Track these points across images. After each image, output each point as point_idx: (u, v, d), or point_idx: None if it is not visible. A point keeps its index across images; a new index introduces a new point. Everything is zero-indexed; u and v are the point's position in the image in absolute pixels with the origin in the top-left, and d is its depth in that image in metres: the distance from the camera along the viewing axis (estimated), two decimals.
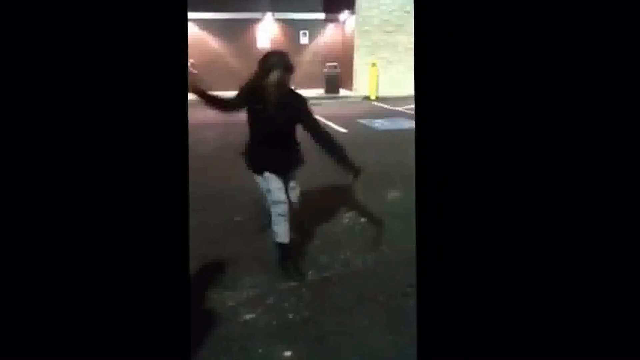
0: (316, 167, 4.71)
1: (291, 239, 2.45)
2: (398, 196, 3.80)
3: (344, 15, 12.95)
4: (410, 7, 12.08)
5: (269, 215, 2.46)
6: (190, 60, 9.89)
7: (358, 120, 8.20)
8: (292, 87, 2.37)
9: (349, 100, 11.99)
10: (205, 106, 2.24)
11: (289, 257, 2.47)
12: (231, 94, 2.35)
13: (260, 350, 1.82)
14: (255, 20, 12.61)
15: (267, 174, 2.33)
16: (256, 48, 12.12)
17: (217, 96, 2.30)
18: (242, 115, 2.33)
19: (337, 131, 7.04)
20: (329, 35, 13.70)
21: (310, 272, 2.47)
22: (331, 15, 13.23)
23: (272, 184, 2.33)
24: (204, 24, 12.32)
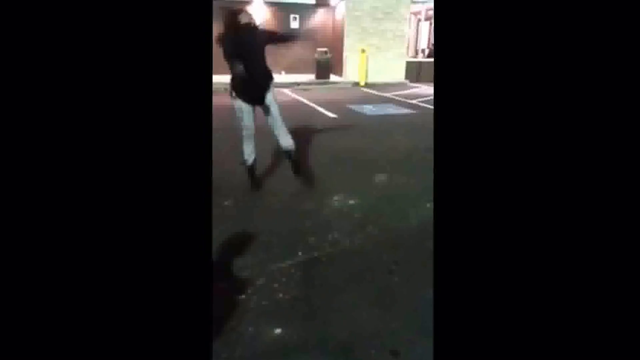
0: (305, 154, 4.73)
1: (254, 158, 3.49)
2: (385, 179, 3.85)
3: (334, 0, 12.82)
4: None
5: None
6: None
7: (348, 106, 8.20)
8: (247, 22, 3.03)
9: (339, 86, 11.95)
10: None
11: (248, 168, 3.52)
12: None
13: (250, 329, 1.86)
14: (245, 3, 12.40)
15: (241, 103, 3.19)
16: None
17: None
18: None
19: (327, 116, 7.05)
20: (320, 20, 13.57)
21: (299, 253, 2.52)
22: (322, 0, 13.08)
23: (244, 111, 3.25)
24: None
